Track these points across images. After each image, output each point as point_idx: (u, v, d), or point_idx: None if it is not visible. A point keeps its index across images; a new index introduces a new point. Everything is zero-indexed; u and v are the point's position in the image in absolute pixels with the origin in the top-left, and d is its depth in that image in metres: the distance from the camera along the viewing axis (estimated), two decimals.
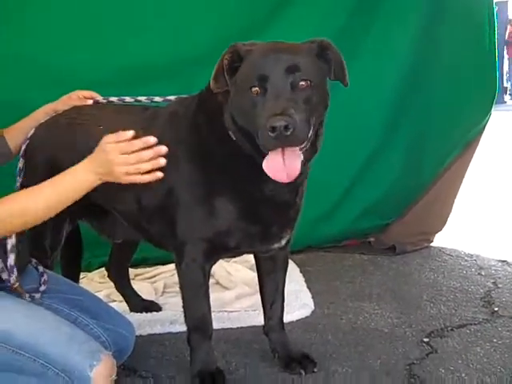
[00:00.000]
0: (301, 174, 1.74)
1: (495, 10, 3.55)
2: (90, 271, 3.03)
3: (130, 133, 1.68)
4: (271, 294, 2.17)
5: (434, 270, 3.15)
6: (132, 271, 3.04)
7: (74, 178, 1.73)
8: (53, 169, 1.93)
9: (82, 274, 2.67)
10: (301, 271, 3.16)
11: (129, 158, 1.69)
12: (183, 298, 2.01)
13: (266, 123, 1.60)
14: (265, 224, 1.93)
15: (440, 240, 3.60)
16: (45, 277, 1.96)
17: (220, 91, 1.80)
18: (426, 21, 3.42)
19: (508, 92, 15.17)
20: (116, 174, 1.70)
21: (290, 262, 3.25)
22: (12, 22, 2.91)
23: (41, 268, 2.00)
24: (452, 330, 2.41)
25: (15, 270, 1.81)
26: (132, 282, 2.90)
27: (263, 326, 2.20)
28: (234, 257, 2.92)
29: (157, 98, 2.21)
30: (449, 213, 3.65)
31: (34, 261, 2.02)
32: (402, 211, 3.60)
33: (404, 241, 3.51)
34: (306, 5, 3.28)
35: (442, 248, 3.51)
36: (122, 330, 2.04)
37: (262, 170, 1.71)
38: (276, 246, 2.01)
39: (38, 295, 1.89)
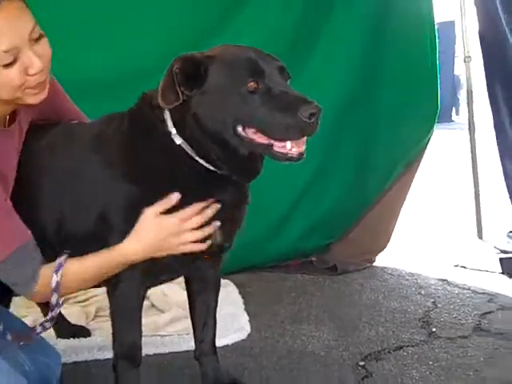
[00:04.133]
0: None
1: (436, 28, 3.58)
2: (15, 296, 2.88)
3: (176, 197, 1.70)
4: (202, 316, 2.08)
5: (375, 290, 3.11)
6: None
7: (126, 259, 1.73)
8: None
9: None
10: (240, 292, 3.09)
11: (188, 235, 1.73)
12: (113, 323, 1.89)
13: (300, 110, 1.58)
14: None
15: (382, 259, 3.59)
16: None
17: (170, 107, 1.70)
18: (368, 37, 3.44)
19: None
20: (174, 250, 1.74)
21: (230, 283, 3.23)
22: None
23: None
24: (389, 352, 2.36)
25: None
26: (64, 306, 2.78)
27: (194, 350, 2.11)
28: (172, 279, 2.82)
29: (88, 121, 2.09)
30: (391, 232, 3.65)
31: None
32: (344, 230, 3.58)
33: (346, 260, 3.48)
34: (254, 18, 3.25)
35: (384, 267, 3.49)
36: (48, 360, 1.93)
37: (214, 179, 1.73)
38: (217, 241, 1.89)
39: None
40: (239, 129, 1.67)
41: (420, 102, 3.51)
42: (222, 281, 3.17)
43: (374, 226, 3.55)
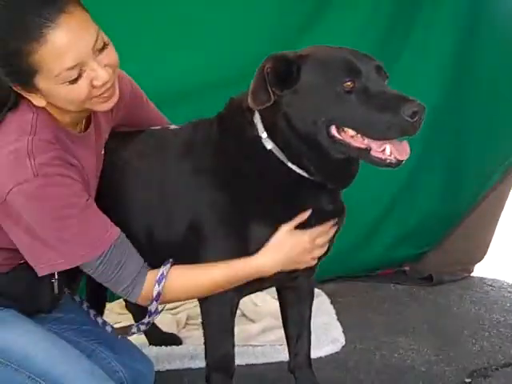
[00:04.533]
0: None
1: None
2: (109, 301, 2.90)
3: (308, 212, 1.70)
4: (296, 327, 1.99)
5: (475, 302, 2.94)
6: None
7: (257, 271, 1.72)
8: None
9: None
10: (331, 302, 2.99)
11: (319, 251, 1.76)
12: (205, 333, 1.85)
13: (403, 108, 1.50)
14: None
15: (481, 269, 3.39)
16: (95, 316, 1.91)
17: (261, 108, 1.63)
18: (460, 38, 3.28)
19: None
20: (301, 265, 1.76)
21: (321, 292, 3.13)
22: None
23: (77, 297, 1.93)
24: (497, 369, 2.22)
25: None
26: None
27: (288, 363, 2.03)
28: (262, 289, 2.75)
29: (172, 126, 2.01)
30: (490, 241, 3.44)
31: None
32: (439, 239, 3.40)
33: (441, 270, 3.31)
34: (339, 23, 3.15)
35: (483, 278, 3.30)
36: (141, 367, 1.91)
37: (307, 187, 1.67)
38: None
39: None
40: (333, 130, 1.59)
41: None
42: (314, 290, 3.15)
43: (471, 235, 3.36)
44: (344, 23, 3.12)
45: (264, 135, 1.68)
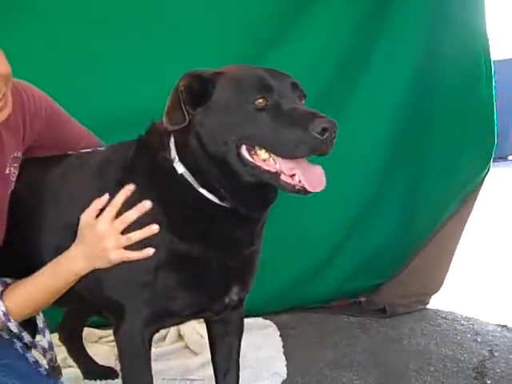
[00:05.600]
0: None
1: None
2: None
3: (105, 198, 1.62)
4: (224, 361, 1.93)
5: (426, 336, 2.88)
6: (97, 333, 2.83)
7: (70, 268, 1.66)
8: None
9: (38, 337, 2.45)
10: (281, 334, 2.93)
11: (121, 238, 1.60)
12: (121, 369, 1.78)
13: (311, 125, 1.46)
14: (218, 280, 1.71)
15: (436, 301, 3.35)
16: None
17: (176, 128, 1.58)
18: (420, 64, 3.27)
19: None
20: (111, 259, 1.62)
21: (271, 323, 3.07)
22: None
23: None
24: None
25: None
26: (93, 344, 2.70)
27: None
28: (182, 323, 2.63)
29: (100, 149, 1.96)
30: (446, 272, 3.40)
31: None
32: (395, 270, 3.36)
33: (397, 302, 3.27)
34: (303, 41, 3.13)
35: (438, 310, 3.25)
36: None
37: (219, 213, 1.61)
38: (227, 301, 1.77)
39: None
40: (243, 151, 1.55)
41: (475, 135, 3.30)
42: (263, 322, 3.09)
43: (427, 266, 3.32)
44: (308, 41, 3.10)
45: (176, 159, 1.64)
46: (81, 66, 2.84)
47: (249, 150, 1.56)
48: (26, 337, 1.75)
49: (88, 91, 2.83)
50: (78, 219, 1.67)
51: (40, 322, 1.76)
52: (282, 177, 1.54)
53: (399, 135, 3.31)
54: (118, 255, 1.61)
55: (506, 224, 5.76)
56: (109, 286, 1.70)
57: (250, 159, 1.56)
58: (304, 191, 1.53)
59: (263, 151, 1.55)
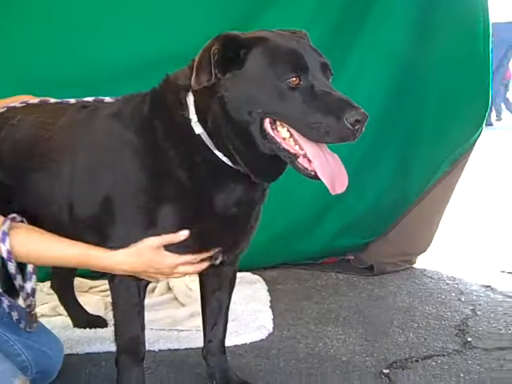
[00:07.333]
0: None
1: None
2: (41, 281, 2.85)
3: (185, 233, 1.65)
4: (213, 314, 1.97)
5: (411, 294, 2.93)
6: (87, 283, 2.87)
7: (108, 266, 1.69)
8: None
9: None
10: (269, 289, 2.97)
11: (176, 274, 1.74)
12: (114, 316, 1.83)
13: (346, 114, 1.46)
14: (213, 241, 1.73)
15: (423, 261, 3.39)
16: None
17: (201, 87, 1.56)
18: (415, 28, 3.24)
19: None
20: (153, 278, 1.77)
21: (259, 279, 3.11)
22: None
23: None
24: (417, 361, 2.20)
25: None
26: (84, 294, 2.74)
27: (202, 349, 2.01)
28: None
29: (107, 99, 1.99)
30: (434, 233, 3.44)
31: None
32: (384, 229, 3.39)
33: (384, 261, 3.31)
34: (295, 4, 3.10)
35: (424, 270, 3.30)
36: (46, 348, 1.87)
37: (230, 175, 1.63)
38: (218, 262, 1.81)
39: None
40: (266, 124, 1.55)
41: (469, 97, 3.28)
42: (252, 277, 3.13)
43: (415, 226, 3.35)
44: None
45: (194, 119, 1.62)
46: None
47: (271, 124, 1.55)
48: (18, 281, 1.75)
49: (89, 43, 2.85)
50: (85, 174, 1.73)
51: (30, 266, 1.76)
52: (300, 159, 1.55)
53: (392, 96, 3.29)
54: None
55: (492, 187, 5.81)
56: (104, 234, 1.72)
57: (273, 134, 1.55)
58: (317, 178, 1.54)
59: (285, 129, 1.55)
